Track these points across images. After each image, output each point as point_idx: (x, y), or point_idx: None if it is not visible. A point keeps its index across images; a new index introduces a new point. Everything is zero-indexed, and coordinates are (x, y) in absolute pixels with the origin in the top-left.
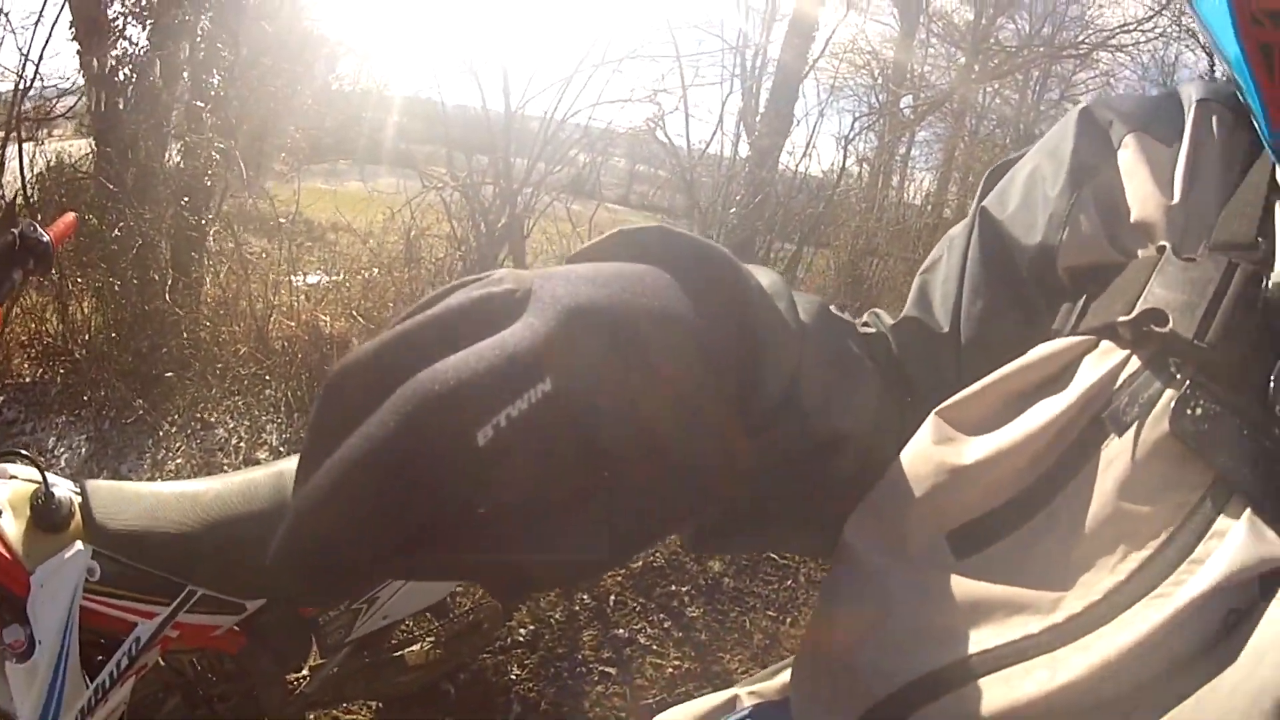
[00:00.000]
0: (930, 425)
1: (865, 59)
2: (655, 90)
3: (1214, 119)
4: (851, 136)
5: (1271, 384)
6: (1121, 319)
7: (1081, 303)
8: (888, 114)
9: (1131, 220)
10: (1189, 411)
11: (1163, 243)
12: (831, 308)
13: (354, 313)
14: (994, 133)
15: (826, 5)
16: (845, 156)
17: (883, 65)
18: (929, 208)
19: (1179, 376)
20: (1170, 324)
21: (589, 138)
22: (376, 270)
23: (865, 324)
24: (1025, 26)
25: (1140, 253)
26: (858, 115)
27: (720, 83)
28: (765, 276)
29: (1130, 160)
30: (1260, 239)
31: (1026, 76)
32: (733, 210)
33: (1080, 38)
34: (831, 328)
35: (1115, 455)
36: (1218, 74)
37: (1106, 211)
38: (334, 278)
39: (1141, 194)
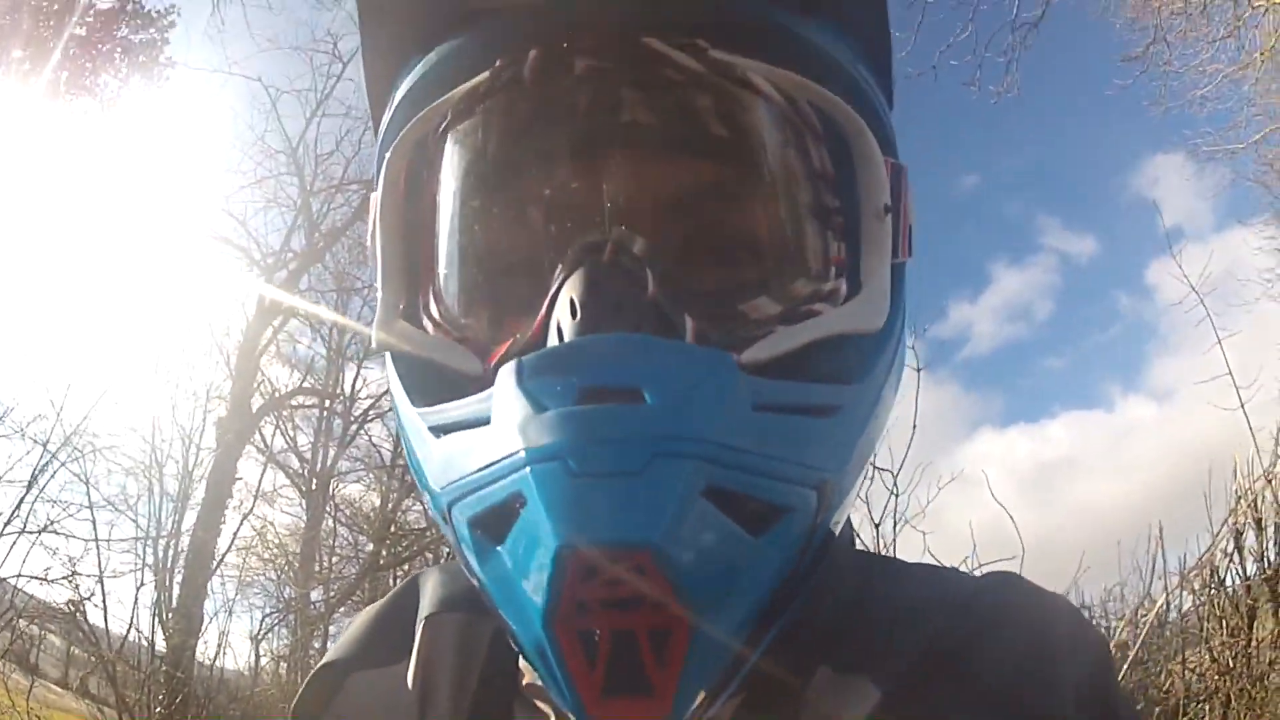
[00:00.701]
0: None
1: (273, 552)
2: (72, 573)
3: (444, 635)
4: (262, 634)
5: None
6: None
7: None
8: (298, 609)
9: None
10: None
11: None
12: None
13: None
14: None
15: (237, 498)
16: (259, 655)
17: (290, 558)
18: None
19: None
20: None
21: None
22: None
23: None
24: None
25: None
26: (267, 612)
27: (135, 570)
28: None
29: (351, 696)
30: None
31: (436, 554)
32: (158, 710)
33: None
34: None
35: None
36: None
37: None
38: None
39: None
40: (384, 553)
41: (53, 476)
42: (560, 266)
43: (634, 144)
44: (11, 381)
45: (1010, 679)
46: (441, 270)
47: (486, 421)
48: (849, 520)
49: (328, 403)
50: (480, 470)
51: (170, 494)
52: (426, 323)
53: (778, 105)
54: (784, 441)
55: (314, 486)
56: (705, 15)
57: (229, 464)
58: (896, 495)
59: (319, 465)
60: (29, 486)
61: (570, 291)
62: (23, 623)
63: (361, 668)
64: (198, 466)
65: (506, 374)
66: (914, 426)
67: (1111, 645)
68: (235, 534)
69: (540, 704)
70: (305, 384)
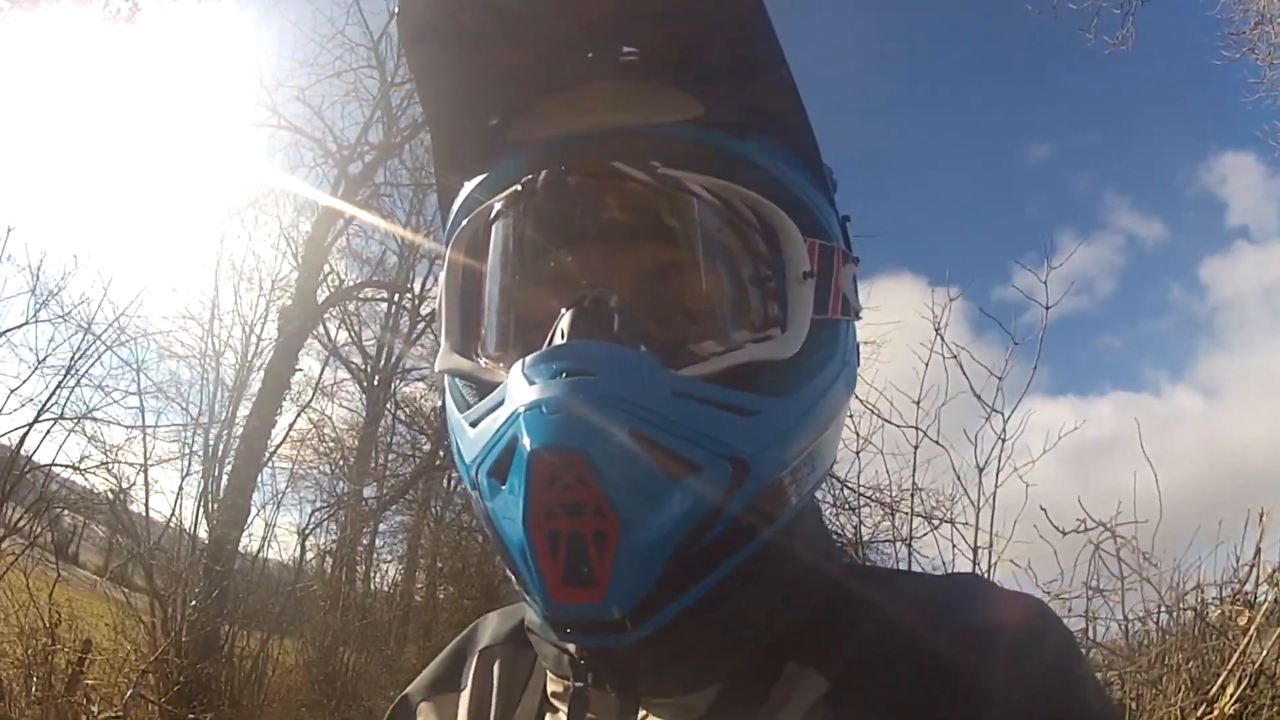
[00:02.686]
0: None
1: (328, 447)
2: (111, 460)
3: (495, 664)
4: (310, 529)
5: None
6: None
7: None
8: (349, 505)
9: None
10: None
11: None
12: None
13: None
14: (459, 516)
15: (295, 389)
16: (304, 549)
17: (346, 453)
18: (398, 598)
19: None
20: None
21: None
22: None
23: None
24: None
25: None
26: (317, 506)
27: (181, 458)
28: None
29: None
30: None
31: None
32: (193, 603)
33: None
34: None
35: None
36: None
37: None
38: None
39: None
40: (440, 453)
41: (95, 360)
42: (562, 310)
43: (610, 234)
44: (62, 265)
45: (945, 670)
46: (487, 321)
47: (502, 403)
48: (829, 537)
49: (396, 297)
50: (494, 433)
51: (226, 383)
52: (475, 357)
53: (715, 205)
54: (700, 421)
55: (376, 383)
56: (663, 144)
57: (290, 355)
58: (1004, 440)
59: (383, 361)
60: (67, 371)
61: (563, 324)
62: (65, 512)
63: (430, 696)
64: (257, 356)
65: (515, 368)
66: (1034, 368)
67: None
68: (291, 426)
69: (558, 704)
70: (375, 278)
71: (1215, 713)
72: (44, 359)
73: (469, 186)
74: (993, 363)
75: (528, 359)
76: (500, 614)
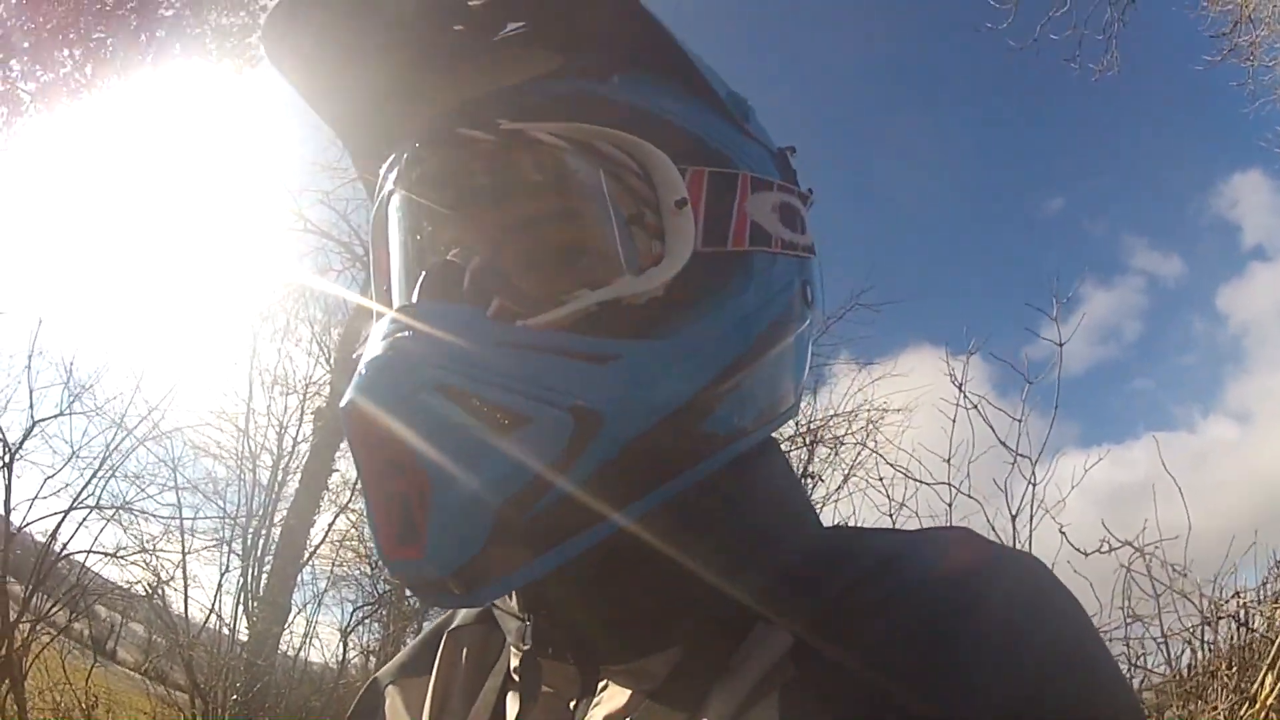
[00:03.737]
0: None
1: (368, 547)
2: (150, 551)
3: (463, 644)
4: (351, 628)
5: None
6: None
7: None
8: (390, 604)
9: None
10: None
11: None
12: None
13: None
14: None
15: (333, 490)
16: (346, 647)
17: None
18: None
19: None
20: None
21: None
22: None
23: None
24: None
25: None
26: (358, 605)
27: (219, 557)
28: None
29: (390, 706)
30: None
31: None
32: (234, 698)
33: None
34: None
35: None
36: None
37: None
38: None
39: None
40: None
41: (129, 456)
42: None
43: (472, 199)
44: (95, 359)
45: (922, 627)
46: (392, 297)
47: None
48: (804, 499)
49: None
50: None
51: (262, 483)
52: None
53: (566, 148)
54: (529, 370)
55: None
56: (510, 102)
57: (326, 455)
58: (1034, 485)
59: None
60: (103, 460)
61: (416, 289)
62: (101, 609)
63: (398, 679)
64: (293, 458)
65: (370, 334)
66: (1055, 408)
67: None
68: (330, 526)
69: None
70: None
71: (1258, 706)
72: (78, 449)
73: (379, 177)
74: (1015, 412)
75: (377, 326)
76: None
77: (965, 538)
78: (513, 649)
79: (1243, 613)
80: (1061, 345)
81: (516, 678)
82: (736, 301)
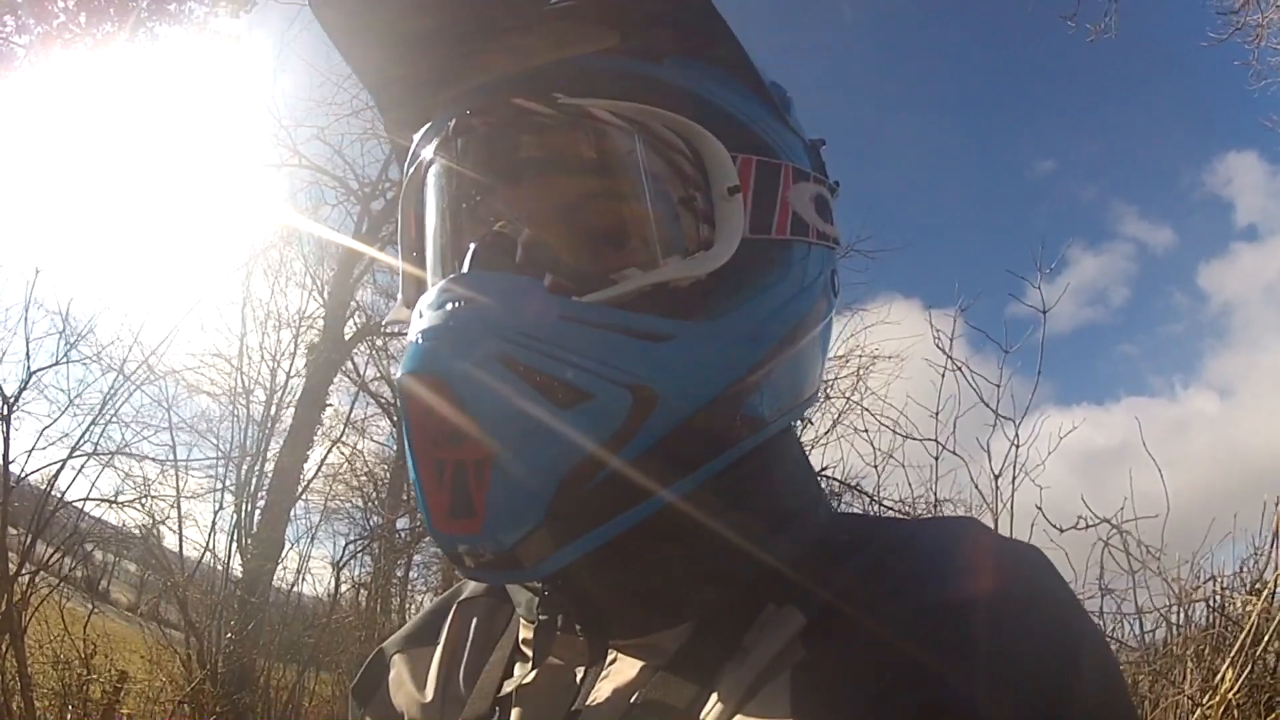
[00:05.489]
0: None
1: (361, 480)
2: (145, 495)
3: (473, 615)
4: (344, 561)
5: None
6: None
7: None
8: (382, 537)
9: None
10: None
11: None
12: None
13: None
14: None
15: (326, 424)
16: (339, 582)
17: (378, 485)
18: None
19: None
20: None
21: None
22: None
23: None
24: None
25: None
26: (351, 539)
27: (213, 492)
28: None
29: (395, 676)
30: (497, 707)
31: None
32: (229, 636)
33: None
34: None
35: None
36: None
37: None
38: None
39: (406, 701)
40: None
41: (126, 400)
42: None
43: (523, 171)
44: (92, 306)
45: (929, 617)
46: (428, 273)
47: None
48: (815, 483)
49: None
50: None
51: (255, 419)
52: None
53: (624, 128)
54: (591, 346)
55: None
56: (568, 76)
57: (320, 390)
58: (1016, 446)
59: None
60: (100, 409)
61: (465, 260)
62: (96, 552)
63: (405, 649)
64: (286, 393)
65: (418, 305)
66: (1038, 373)
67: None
68: (323, 460)
69: (529, 651)
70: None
71: (1218, 698)
72: (75, 398)
73: (411, 149)
74: (1000, 372)
75: (427, 295)
76: None
77: (972, 529)
78: (522, 620)
79: (1216, 598)
80: (1045, 312)
81: (525, 649)
82: (777, 289)
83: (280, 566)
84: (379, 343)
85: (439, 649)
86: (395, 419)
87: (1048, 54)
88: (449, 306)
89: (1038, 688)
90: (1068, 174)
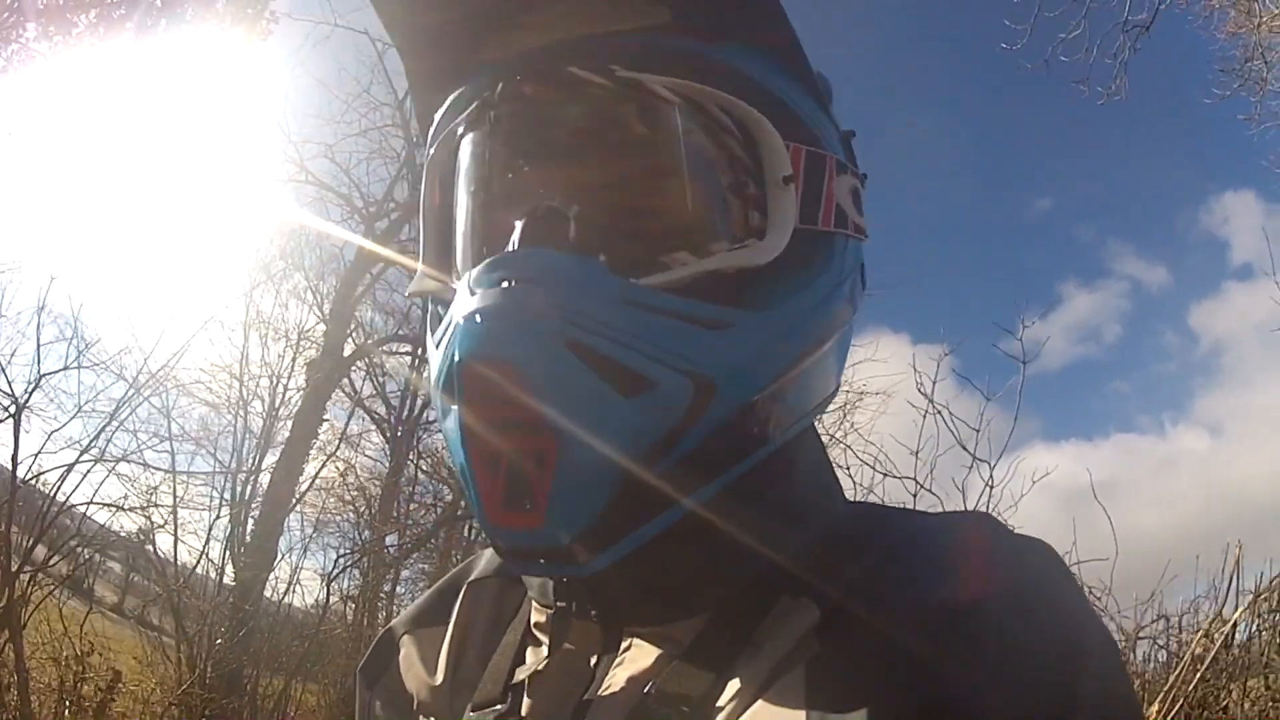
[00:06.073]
0: None
1: (353, 494)
2: (148, 503)
3: (483, 597)
4: (334, 574)
5: None
6: None
7: None
8: (372, 552)
9: (414, 706)
10: None
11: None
12: None
13: None
14: None
15: (321, 439)
16: (329, 594)
17: (369, 500)
18: None
19: None
20: None
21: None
22: None
23: None
24: None
25: None
26: (341, 552)
27: (210, 501)
28: None
29: (405, 656)
30: (509, 692)
31: None
32: (219, 642)
33: None
34: None
35: None
36: None
37: (395, 704)
38: None
39: (416, 683)
40: (461, 504)
41: (133, 411)
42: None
43: (572, 144)
44: (100, 315)
45: (942, 612)
46: (458, 245)
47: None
48: (833, 474)
49: (420, 350)
50: (441, 347)
51: (253, 431)
52: (445, 280)
53: (681, 107)
54: (656, 333)
55: (399, 434)
56: (623, 49)
57: (317, 405)
58: (991, 487)
59: (405, 413)
60: (110, 418)
61: (515, 235)
62: (83, 550)
63: (414, 629)
64: (284, 406)
65: (463, 280)
66: (1015, 418)
67: (1187, 658)
68: (317, 474)
69: (542, 635)
70: (400, 332)
71: None
72: (84, 404)
73: (440, 110)
74: (982, 413)
75: (474, 270)
76: (492, 550)
77: (983, 524)
78: (534, 604)
79: (1164, 636)
80: (1024, 362)
81: (536, 633)
82: (820, 282)
83: (273, 577)
84: (376, 360)
85: (449, 630)
86: (388, 435)
87: (1047, 95)
88: (506, 285)
89: (1043, 685)
90: (1065, 212)
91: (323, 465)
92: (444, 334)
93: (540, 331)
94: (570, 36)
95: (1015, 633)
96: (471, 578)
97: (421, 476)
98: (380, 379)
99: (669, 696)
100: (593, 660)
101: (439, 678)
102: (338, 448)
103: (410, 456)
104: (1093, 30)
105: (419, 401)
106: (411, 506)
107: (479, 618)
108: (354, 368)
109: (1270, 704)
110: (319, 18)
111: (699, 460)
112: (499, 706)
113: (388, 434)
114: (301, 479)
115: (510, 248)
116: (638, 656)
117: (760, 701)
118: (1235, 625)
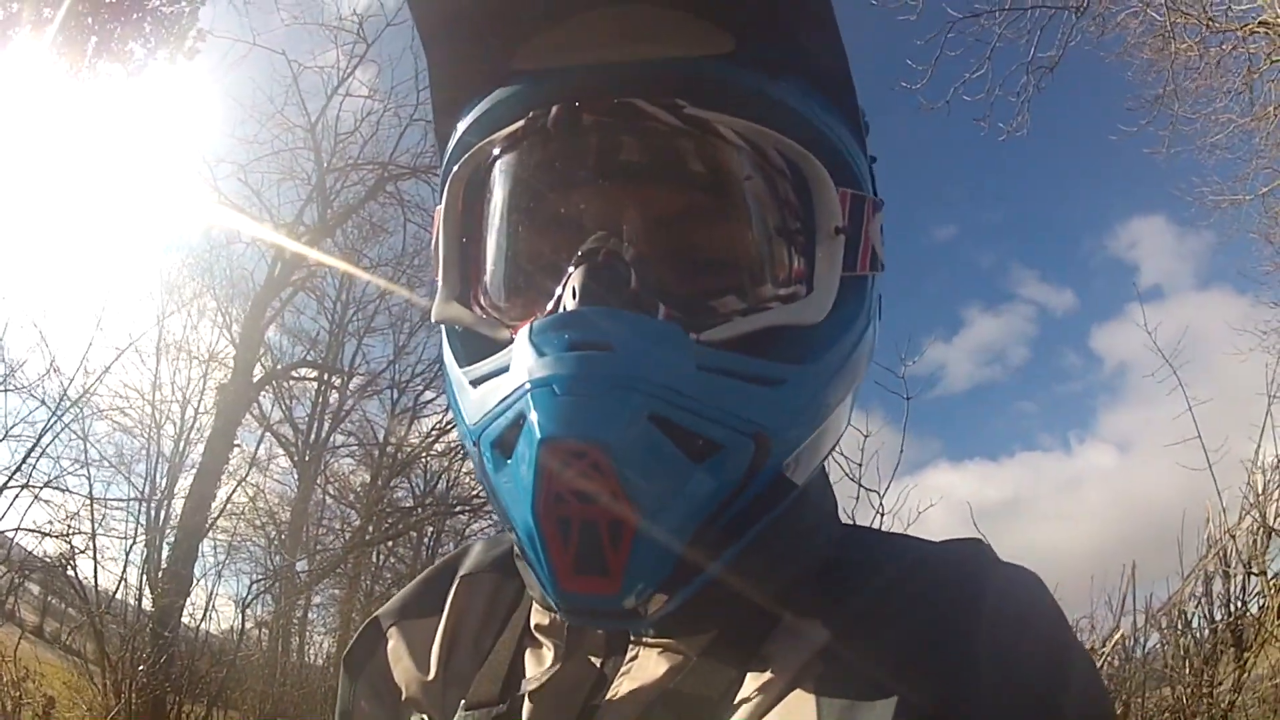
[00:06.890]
0: None
1: (263, 519)
2: (69, 530)
3: (477, 594)
4: (248, 600)
5: None
6: None
7: None
8: (283, 577)
9: (403, 700)
10: None
11: (423, 715)
12: None
13: None
14: (389, 591)
15: (232, 464)
16: (244, 620)
17: (279, 526)
18: (331, 669)
19: None
20: None
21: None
22: None
23: None
24: (420, 485)
25: None
26: (255, 578)
27: (127, 528)
28: None
29: (393, 648)
30: (506, 693)
31: (420, 534)
32: (141, 669)
33: (474, 492)
34: None
35: None
36: None
37: (380, 696)
38: None
39: (405, 677)
40: (370, 529)
41: (55, 437)
42: (571, 267)
43: (628, 178)
44: (16, 338)
45: (941, 634)
46: (488, 268)
47: (507, 369)
48: (834, 497)
49: (326, 376)
50: (499, 403)
51: (165, 455)
52: (475, 307)
53: (744, 150)
54: (723, 396)
55: (307, 458)
56: (689, 82)
57: (228, 429)
58: (883, 515)
59: (313, 437)
60: (35, 444)
61: (574, 282)
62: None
63: (401, 620)
64: (195, 430)
65: (522, 333)
66: (900, 450)
67: None
68: (228, 499)
69: (543, 639)
70: (308, 357)
71: None
72: (11, 428)
73: (467, 120)
74: (862, 451)
75: (536, 324)
76: (485, 543)
77: (975, 551)
78: (535, 605)
79: None
80: (908, 399)
81: (538, 635)
82: (855, 325)
83: (189, 602)
84: (284, 385)
85: (442, 624)
86: (295, 461)
87: (950, 127)
88: (580, 351)
89: (1032, 702)
90: (968, 239)
91: (234, 490)
92: (510, 393)
93: (624, 409)
94: (624, 59)
95: (1005, 657)
96: (464, 571)
97: (329, 502)
98: (287, 403)
99: (682, 702)
100: (597, 663)
101: (431, 672)
102: (249, 472)
103: (318, 482)
104: (996, 69)
105: (324, 426)
106: (320, 531)
107: (473, 613)
108: (263, 392)
109: (1175, 715)
110: (237, 36)
111: (748, 510)
112: (500, 706)
113: (295, 458)
114: (213, 504)
115: (569, 297)
116: (645, 664)
117: (771, 715)
118: (1134, 638)
